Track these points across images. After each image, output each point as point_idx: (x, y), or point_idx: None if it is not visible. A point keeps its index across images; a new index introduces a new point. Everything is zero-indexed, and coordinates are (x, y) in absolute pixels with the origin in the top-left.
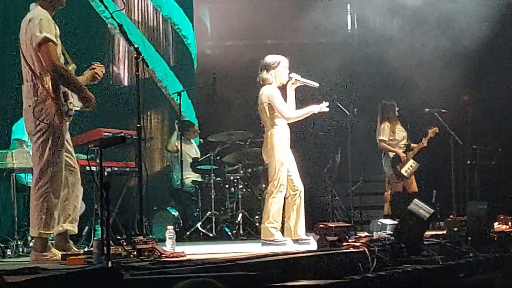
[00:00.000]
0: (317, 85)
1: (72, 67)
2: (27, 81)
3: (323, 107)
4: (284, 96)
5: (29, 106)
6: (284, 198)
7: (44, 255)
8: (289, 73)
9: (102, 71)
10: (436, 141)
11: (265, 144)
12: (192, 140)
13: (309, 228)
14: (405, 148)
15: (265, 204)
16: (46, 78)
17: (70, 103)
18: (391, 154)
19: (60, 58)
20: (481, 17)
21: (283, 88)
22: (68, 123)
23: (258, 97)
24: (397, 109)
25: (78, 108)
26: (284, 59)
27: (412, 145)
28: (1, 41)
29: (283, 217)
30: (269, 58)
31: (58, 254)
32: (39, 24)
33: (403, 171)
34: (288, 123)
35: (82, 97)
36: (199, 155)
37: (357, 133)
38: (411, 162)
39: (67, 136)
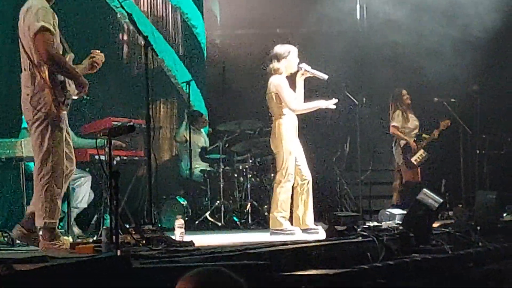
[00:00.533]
0: (326, 77)
1: (70, 57)
2: (25, 70)
3: (331, 103)
4: (293, 86)
5: (27, 95)
6: (293, 187)
7: (52, 243)
8: (298, 63)
9: (101, 60)
10: (446, 130)
11: (273, 134)
12: (201, 130)
13: (318, 218)
14: (416, 138)
15: (273, 194)
16: (43, 67)
17: (68, 92)
18: (402, 143)
19: (59, 47)
20: (491, 5)
21: (292, 78)
22: (65, 112)
23: (267, 86)
24: (408, 96)
25: (76, 98)
26: (294, 49)
27: (424, 135)
28: (6, 29)
29: (291, 207)
30: (280, 48)
31: (67, 242)
32: (36, 13)
33: (413, 159)
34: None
35: (77, 84)
36: (208, 145)
37: (366, 122)
38: (421, 151)
39: (66, 125)
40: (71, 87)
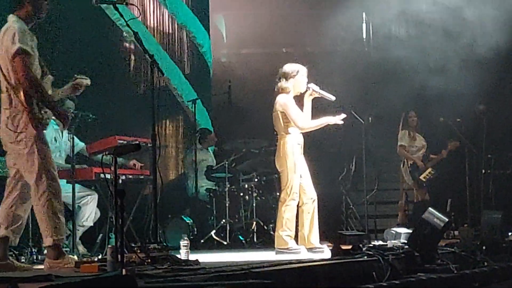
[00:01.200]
0: (333, 98)
1: (49, 79)
2: (3, 92)
3: (339, 119)
4: (300, 106)
5: (7, 117)
6: (298, 206)
7: (58, 262)
8: (307, 83)
9: (85, 83)
10: (452, 150)
11: (277, 152)
12: (208, 149)
13: (324, 236)
14: (423, 157)
15: (278, 212)
16: (20, 89)
17: (45, 112)
18: (409, 162)
19: (37, 69)
20: (497, 23)
21: (300, 98)
22: (44, 131)
23: (273, 105)
24: (415, 118)
25: (54, 118)
26: (303, 68)
27: (431, 156)
28: None
29: (296, 226)
30: (288, 67)
31: (72, 261)
32: (14, 35)
33: (421, 177)
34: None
35: (54, 114)
36: (214, 163)
37: (372, 141)
38: (429, 169)
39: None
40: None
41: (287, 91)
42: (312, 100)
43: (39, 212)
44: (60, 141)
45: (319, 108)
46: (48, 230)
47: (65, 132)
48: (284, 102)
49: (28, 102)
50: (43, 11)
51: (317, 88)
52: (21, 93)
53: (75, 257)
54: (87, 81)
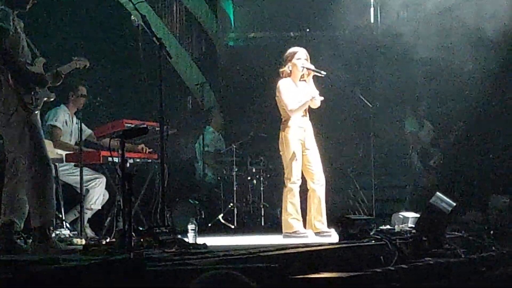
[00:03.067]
0: (324, 73)
1: (40, 61)
2: None
3: (317, 94)
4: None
5: None
6: (306, 191)
7: (42, 245)
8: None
9: (84, 65)
10: (459, 134)
11: (279, 137)
12: (215, 132)
13: (331, 221)
14: (431, 142)
15: (283, 197)
16: (5, 70)
17: (37, 92)
18: (419, 147)
19: (27, 53)
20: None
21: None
22: (37, 113)
23: None
24: (422, 103)
25: (46, 99)
26: (301, 50)
27: (439, 140)
28: None
29: (304, 210)
30: (288, 51)
31: (56, 245)
32: None
33: (431, 162)
34: (309, 116)
35: (45, 82)
36: (222, 147)
37: (380, 125)
38: (438, 154)
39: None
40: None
41: (284, 74)
42: (320, 84)
43: (30, 195)
44: (70, 125)
45: (327, 92)
46: (36, 213)
47: (75, 118)
48: (278, 86)
49: (15, 83)
50: None
51: (308, 64)
52: (8, 73)
53: (83, 241)
54: (86, 63)
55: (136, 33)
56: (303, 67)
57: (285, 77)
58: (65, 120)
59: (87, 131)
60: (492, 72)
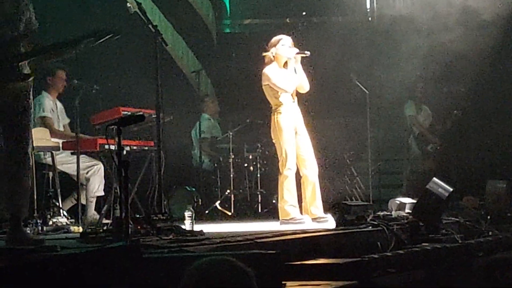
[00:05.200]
0: (307, 53)
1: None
2: None
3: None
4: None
5: None
6: (300, 178)
7: (12, 235)
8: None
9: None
10: (456, 119)
11: (272, 125)
12: (212, 119)
13: (328, 207)
14: (429, 127)
15: (278, 185)
16: None
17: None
18: (416, 132)
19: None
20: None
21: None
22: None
23: None
24: (421, 88)
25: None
26: (285, 37)
27: (436, 126)
28: None
29: (299, 196)
30: (272, 38)
31: (27, 237)
32: None
33: (429, 147)
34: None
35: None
36: (218, 134)
37: (376, 111)
38: (436, 139)
39: None
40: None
41: (266, 60)
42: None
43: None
44: (56, 111)
45: (323, 77)
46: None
47: (58, 102)
48: (265, 74)
49: None
50: None
51: (294, 49)
52: None
53: (80, 228)
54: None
55: (131, 20)
56: (294, 55)
57: (269, 63)
58: (51, 108)
59: (66, 119)
60: (489, 57)
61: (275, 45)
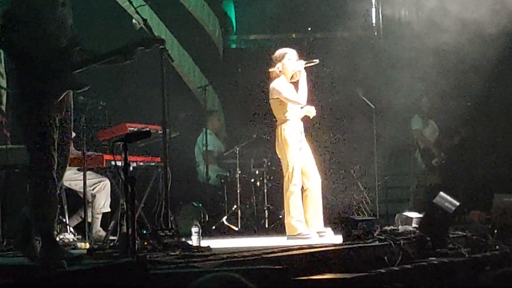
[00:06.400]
0: (316, 61)
1: None
2: None
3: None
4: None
5: None
6: (302, 191)
7: None
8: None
9: None
10: (464, 135)
11: (277, 139)
12: (218, 134)
13: (334, 222)
14: (435, 141)
15: (284, 200)
16: None
17: None
18: (422, 146)
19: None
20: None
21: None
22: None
23: None
24: (427, 103)
25: None
26: (291, 51)
27: (444, 141)
28: None
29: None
30: (277, 52)
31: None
32: None
33: (433, 162)
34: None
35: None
36: (223, 149)
37: (383, 126)
38: (441, 154)
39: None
40: None
41: (273, 75)
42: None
43: None
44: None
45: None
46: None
47: None
48: (276, 88)
49: None
50: None
51: (302, 63)
52: None
53: (87, 245)
54: None
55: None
56: (303, 67)
57: (275, 78)
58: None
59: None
60: (496, 71)
61: (280, 60)
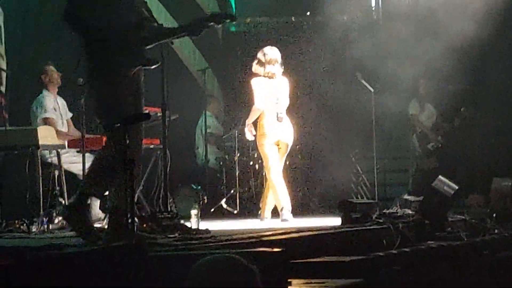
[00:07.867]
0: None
1: None
2: None
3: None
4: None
5: None
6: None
7: None
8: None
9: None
10: (464, 117)
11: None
12: (215, 117)
13: (334, 205)
14: (432, 125)
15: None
16: None
17: None
18: (419, 130)
19: None
20: None
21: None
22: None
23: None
24: (425, 86)
25: None
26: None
27: (443, 123)
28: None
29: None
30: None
31: None
32: None
33: (429, 146)
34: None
35: None
36: (222, 132)
37: (382, 109)
38: (438, 138)
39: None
40: None
41: (255, 73)
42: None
43: None
44: (57, 108)
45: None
46: None
47: (59, 98)
48: (250, 84)
49: None
50: None
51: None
52: None
53: None
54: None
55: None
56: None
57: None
58: (53, 107)
59: (69, 114)
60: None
61: (258, 59)
